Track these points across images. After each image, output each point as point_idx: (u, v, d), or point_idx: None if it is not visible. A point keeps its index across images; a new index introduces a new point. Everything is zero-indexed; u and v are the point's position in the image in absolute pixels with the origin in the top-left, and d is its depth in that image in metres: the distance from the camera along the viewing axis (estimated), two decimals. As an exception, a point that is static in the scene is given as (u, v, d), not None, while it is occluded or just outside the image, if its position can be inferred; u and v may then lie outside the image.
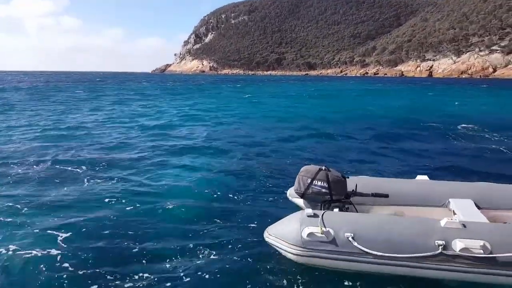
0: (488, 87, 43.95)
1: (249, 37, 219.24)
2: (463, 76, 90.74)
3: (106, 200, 5.21)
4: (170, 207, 4.90)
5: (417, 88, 42.41)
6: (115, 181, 6.12)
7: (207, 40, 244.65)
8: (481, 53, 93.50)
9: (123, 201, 5.16)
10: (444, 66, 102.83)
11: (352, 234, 3.00)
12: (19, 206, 4.92)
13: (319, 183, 3.51)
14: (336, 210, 3.51)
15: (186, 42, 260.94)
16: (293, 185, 4.17)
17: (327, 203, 3.56)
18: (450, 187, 3.98)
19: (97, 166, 7.00)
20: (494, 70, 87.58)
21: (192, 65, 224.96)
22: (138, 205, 5.02)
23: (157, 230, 4.29)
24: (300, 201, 3.96)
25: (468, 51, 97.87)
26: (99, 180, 6.15)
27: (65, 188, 5.73)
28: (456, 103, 22.70)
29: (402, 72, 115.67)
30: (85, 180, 6.16)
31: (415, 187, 3.97)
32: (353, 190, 3.63)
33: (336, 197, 3.53)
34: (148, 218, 4.60)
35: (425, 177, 4.26)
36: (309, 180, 3.55)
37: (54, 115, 15.26)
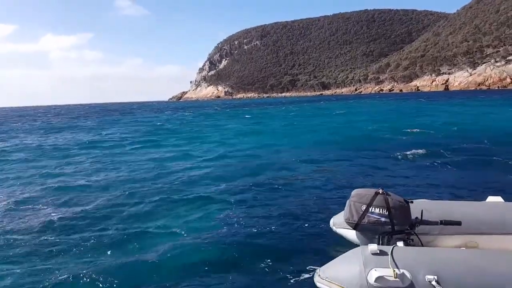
0: None
1: (262, 61, 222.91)
2: (481, 88, 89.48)
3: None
4: (193, 245, 4.47)
5: None
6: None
7: (221, 66, 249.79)
8: (497, 64, 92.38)
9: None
10: (460, 79, 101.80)
11: (435, 277, 2.36)
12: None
13: (377, 210, 2.85)
14: (400, 244, 2.88)
15: (201, 69, 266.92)
16: (337, 213, 3.62)
17: (387, 235, 2.92)
18: None
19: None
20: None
21: (207, 91, 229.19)
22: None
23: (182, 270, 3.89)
24: (349, 233, 3.34)
25: (484, 63, 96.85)
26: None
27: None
28: None
29: (418, 87, 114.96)
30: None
31: (489, 211, 3.31)
32: (417, 218, 2.98)
33: (398, 227, 2.88)
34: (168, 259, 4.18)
35: (499, 198, 3.60)
36: (364, 207, 2.90)
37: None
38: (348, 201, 3.04)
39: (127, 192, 7.17)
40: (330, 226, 3.75)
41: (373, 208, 2.86)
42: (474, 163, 8.84)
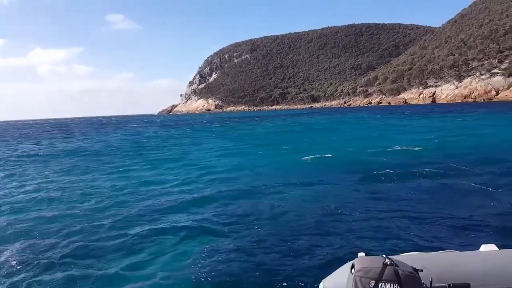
0: None
1: (252, 74, 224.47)
2: (468, 100, 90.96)
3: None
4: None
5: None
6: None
7: (211, 79, 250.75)
8: (483, 77, 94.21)
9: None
10: (447, 91, 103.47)
11: None
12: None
13: (388, 285, 2.51)
14: None
15: (191, 83, 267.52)
16: (327, 276, 3.18)
17: None
18: None
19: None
20: (497, 93, 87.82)
21: (198, 105, 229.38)
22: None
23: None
24: None
25: (470, 76, 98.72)
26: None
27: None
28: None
29: (406, 100, 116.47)
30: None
31: (489, 264, 3.06)
32: (423, 284, 2.66)
33: None
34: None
35: (493, 246, 3.35)
36: (372, 283, 2.56)
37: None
38: (353, 275, 2.62)
39: (94, 222, 6.87)
40: None
41: (383, 284, 2.51)
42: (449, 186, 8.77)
